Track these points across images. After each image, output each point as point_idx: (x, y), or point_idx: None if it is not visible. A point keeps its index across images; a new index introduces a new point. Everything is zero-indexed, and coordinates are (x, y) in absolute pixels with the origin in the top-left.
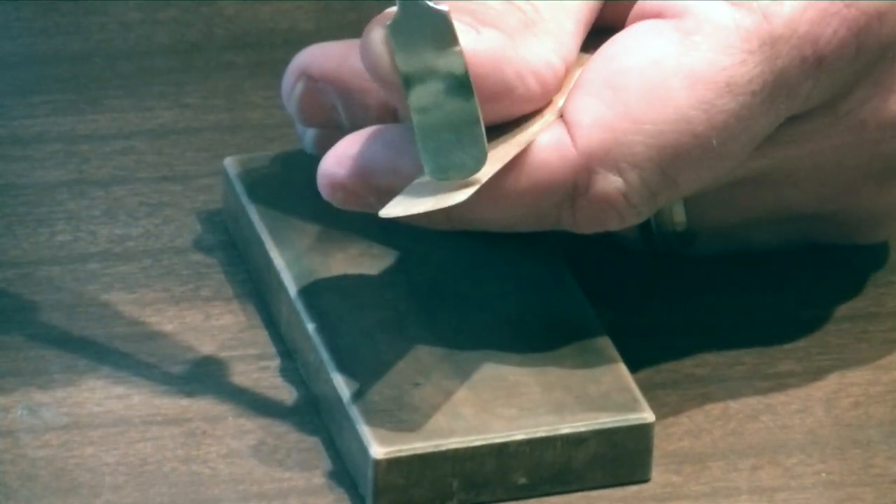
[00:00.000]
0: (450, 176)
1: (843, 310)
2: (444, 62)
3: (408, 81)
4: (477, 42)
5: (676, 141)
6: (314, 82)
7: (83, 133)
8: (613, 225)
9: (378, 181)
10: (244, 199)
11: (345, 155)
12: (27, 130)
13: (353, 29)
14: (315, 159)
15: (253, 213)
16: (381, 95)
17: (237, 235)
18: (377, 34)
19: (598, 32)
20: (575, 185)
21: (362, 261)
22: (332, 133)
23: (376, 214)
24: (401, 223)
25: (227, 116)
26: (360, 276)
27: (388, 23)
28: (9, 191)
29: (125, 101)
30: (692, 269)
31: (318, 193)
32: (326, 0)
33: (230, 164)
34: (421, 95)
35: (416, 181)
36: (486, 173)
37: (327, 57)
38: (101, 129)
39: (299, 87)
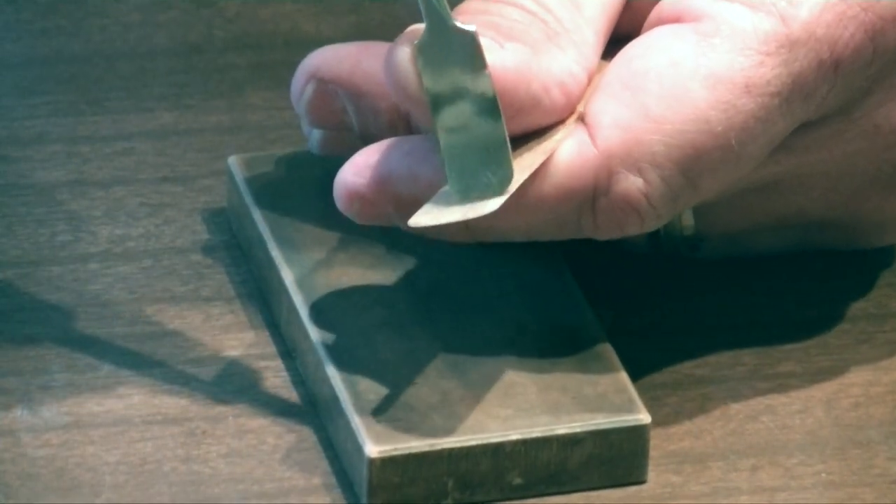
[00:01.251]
0: (476, 196)
1: (843, 311)
2: (473, 83)
3: (436, 102)
4: (502, 57)
5: (696, 141)
6: (325, 84)
7: (84, 134)
8: (633, 229)
9: (398, 189)
10: (248, 198)
11: (363, 165)
12: (28, 131)
13: (353, 31)
14: (320, 159)
15: (256, 212)
16: (393, 100)
17: (240, 233)
18: (404, 53)
19: (616, 41)
20: (596, 186)
21: (363, 261)
22: (340, 135)
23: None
24: (414, 234)
25: (228, 118)
26: (360, 276)
27: (415, 42)
28: (9, 191)
29: (126, 103)
30: (692, 270)
31: (321, 193)
32: (327, 2)
33: (234, 162)
34: (449, 116)
35: (442, 190)
36: (514, 182)
37: (339, 59)
38: (101, 130)
39: (309, 88)
